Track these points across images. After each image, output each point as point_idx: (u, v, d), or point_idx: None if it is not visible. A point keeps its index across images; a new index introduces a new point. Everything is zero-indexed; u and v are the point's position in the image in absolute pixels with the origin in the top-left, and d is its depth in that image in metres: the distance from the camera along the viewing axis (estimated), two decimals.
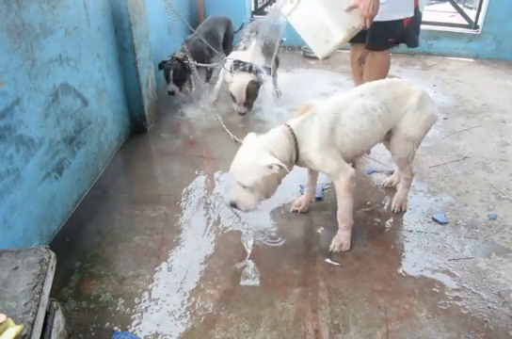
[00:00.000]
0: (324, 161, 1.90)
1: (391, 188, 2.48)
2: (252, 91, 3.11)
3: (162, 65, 3.32)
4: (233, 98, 3.17)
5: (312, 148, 1.88)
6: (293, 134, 1.87)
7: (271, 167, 1.77)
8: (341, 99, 2.00)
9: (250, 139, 1.92)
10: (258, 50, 3.25)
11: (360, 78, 3.30)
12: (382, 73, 3.07)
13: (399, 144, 2.09)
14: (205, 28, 3.72)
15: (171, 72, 3.29)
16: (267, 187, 1.85)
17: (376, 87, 2.02)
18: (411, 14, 2.74)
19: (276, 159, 1.78)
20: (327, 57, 2.90)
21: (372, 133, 1.97)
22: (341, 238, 2.04)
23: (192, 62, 3.17)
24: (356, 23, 2.36)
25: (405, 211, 2.31)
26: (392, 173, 2.56)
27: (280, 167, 1.77)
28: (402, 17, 2.72)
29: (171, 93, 3.39)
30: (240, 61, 3.15)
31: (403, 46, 3.01)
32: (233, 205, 1.88)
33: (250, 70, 3.12)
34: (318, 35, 2.55)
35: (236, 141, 2.83)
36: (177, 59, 3.28)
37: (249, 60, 3.15)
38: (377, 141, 2.10)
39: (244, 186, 1.82)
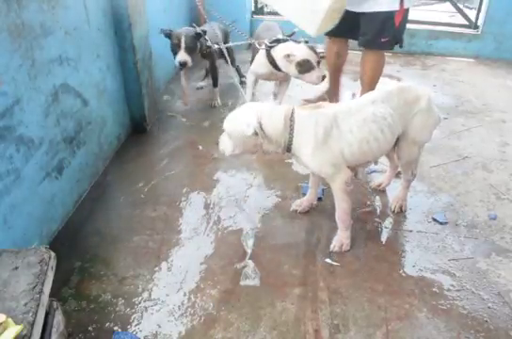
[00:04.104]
0: (319, 166, 1.89)
1: (390, 189, 2.48)
2: (316, 50, 2.81)
3: (169, 33, 3.01)
4: (307, 65, 2.71)
5: (305, 152, 1.87)
6: (292, 121, 1.85)
7: (248, 126, 1.80)
8: (350, 105, 1.95)
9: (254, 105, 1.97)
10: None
11: (334, 71, 3.33)
12: (376, 72, 3.11)
13: (407, 148, 2.08)
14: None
15: (183, 38, 2.94)
16: (243, 145, 1.90)
17: (388, 93, 1.97)
18: (396, 8, 2.77)
19: (256, 124, 1.80)
20: (322, 33, 2.73)
21: (379, 143, 1.92)
22: (341, 238, 2.04)
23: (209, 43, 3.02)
24: None
25: (405, 211, 2.31)
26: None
27: (256, 133, 1.80)
28: (387, 9, 2.77)
29: (183, 64, 3.00)
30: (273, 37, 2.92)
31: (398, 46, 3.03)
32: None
33: (286, 40, 2.89)
34: (304, 8, 2.44)
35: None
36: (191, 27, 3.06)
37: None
38: (385, 152, 2.07)
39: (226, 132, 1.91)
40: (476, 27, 4.79)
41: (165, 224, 2.22)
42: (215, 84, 3.45)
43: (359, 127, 1.87)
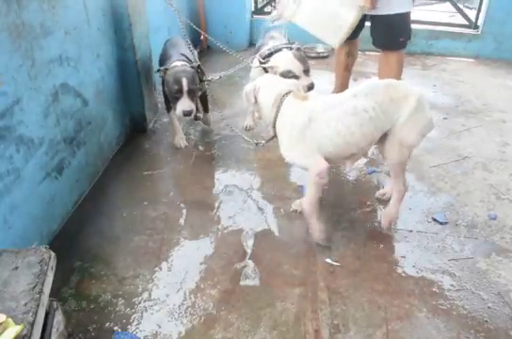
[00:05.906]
0: (291, 157, 2.00)
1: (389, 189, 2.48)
2: (304, 59, 2.66)
3: (163, 72, 2.57)
4: (290, 75, 2.54)
5: (281, 139, 2.02)
6: (281, 103, 1.98)
7: (246, 87, 2.11)
8: (332, 100, 1.95)
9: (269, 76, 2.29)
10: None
11: (343, 70, 3.34)
12: (398, 73, 3.11)
13: (394, 149, 1.97)
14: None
15: (184, 81, 2.40)
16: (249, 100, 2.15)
17: (372, 87, 1.91)
18: (410, 9, 2.85)
19: (250, 88, 2.09)
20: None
21: (360, 135, 1.89)
22: (313, 230, 2.07)
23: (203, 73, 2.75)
24: (360, 1, 2.59)
25: (393, 226, 2.20)
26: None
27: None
28: (403, 11, 2.82)
29: (189, 114, 2.46)
30: (266, 51, 2.75)
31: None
32: None
33: (280, 49, 2.72)
34: (329, 23, 2.71)
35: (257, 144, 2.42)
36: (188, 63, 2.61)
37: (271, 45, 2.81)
38: (369, 144, 1.99)
39: None
40: (476, 27, 4.79)
41: (165, 224, 2.22)
42: (205, 109, 3.09)
43: (337, 121, 1.88)
